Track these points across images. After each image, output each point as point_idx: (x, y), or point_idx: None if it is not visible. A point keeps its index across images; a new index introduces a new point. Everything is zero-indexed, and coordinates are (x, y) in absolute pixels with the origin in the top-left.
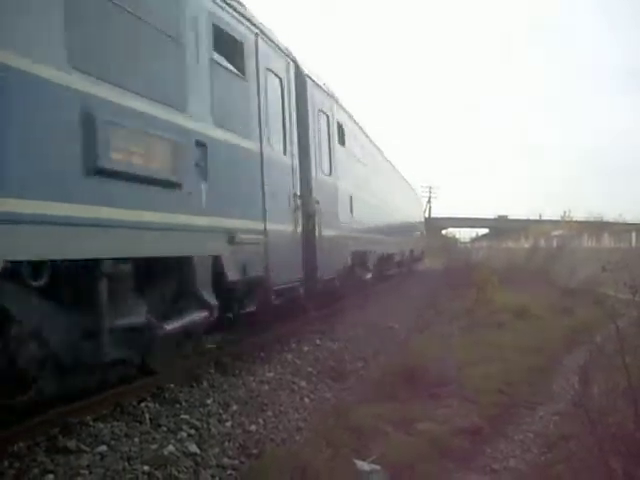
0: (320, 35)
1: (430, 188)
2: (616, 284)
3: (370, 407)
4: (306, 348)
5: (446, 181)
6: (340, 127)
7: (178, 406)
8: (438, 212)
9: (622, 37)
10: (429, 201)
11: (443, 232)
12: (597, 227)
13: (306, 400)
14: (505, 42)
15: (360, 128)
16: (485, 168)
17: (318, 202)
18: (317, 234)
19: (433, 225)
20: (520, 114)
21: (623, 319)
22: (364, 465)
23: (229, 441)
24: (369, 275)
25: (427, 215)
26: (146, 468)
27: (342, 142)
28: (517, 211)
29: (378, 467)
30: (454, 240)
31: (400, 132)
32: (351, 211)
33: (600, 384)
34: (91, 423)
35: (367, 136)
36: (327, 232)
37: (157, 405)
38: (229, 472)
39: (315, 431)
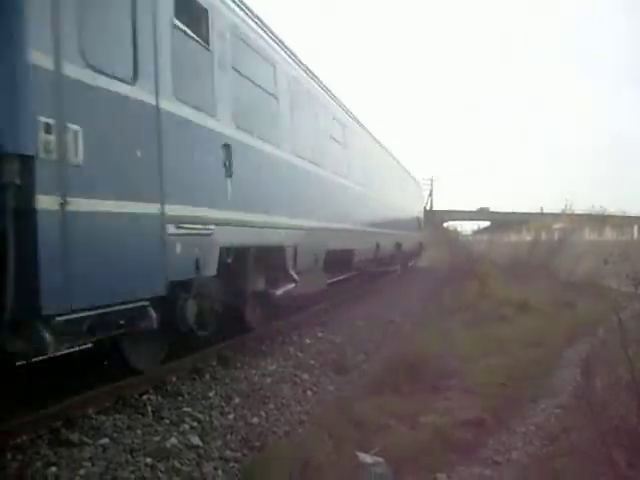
0: (322, 35)
1: (432, 181)
2: (618, 277)
3: (373, 400)
4: (308, 341)
5: (448, 174)
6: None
7: (180, 399)
8: (440, 205)
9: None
10: (430, 194)
11: (444, 225)
12: (599, 220)
13: (308, 393)
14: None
15: (270, 37)
16: (486, 162)
17: (53, 132)
18: (42, 210)
19: (435, 218)
20: (521, 112)
21: (626, 312)
22: (366, 457)
23: (231, 434)
24: (288, 287)
25: (429, 208)
26: (149, 460)
27: (195, 31)
28: (518, 204)
29: (381, 459)
30: (456, 233)
31: (402, 127)
32: (228, 172)
33: (603, 377)
34: (93, 416)
35: (301, 66)
36: (106, 206)
37: (159, 398)
38: (231, 465)
39: (317, 424)
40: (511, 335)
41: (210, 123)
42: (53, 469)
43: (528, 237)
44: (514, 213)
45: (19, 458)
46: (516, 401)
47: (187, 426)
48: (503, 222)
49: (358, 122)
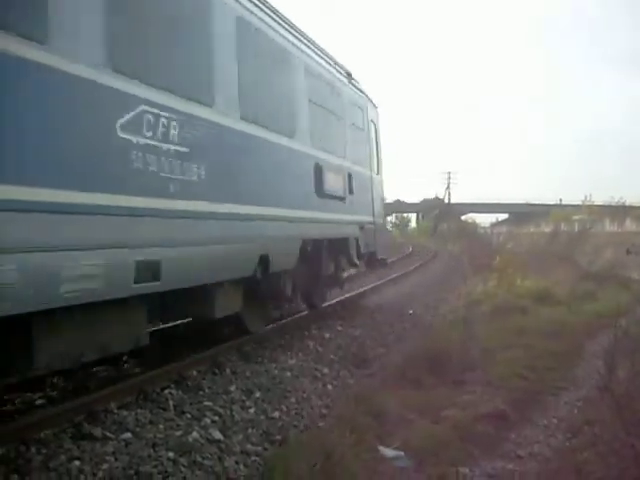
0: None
1: (449, 173)
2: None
3: (393, 393)
4: (327, 335)
5: (466, 167)
6: None
7: (201, 393)
8: (458, 198)
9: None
10: (448, 187)
11: (463, 218)
12: (619, 211)
13: (329, 387)
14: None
15: None
16: (503, 154)
17: None
18: None
19: (453, 211)
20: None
21: None
22: (388, 451)
23: (253, 428)
24: None
25: (447, 201)
26: (171, 454)
27: None
28: (537, 196)
29: (402, 453)
30: (474, 225)
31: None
32: None
33: (626, 368)
34: (115, 411)
35: None
36: None
37: (180, 392)
38: (253, 458)
39: (338, 417)
40: (532, 327)
41: None
42: (76, 463)
43: (547, 229)
44: (533, 205)
45: (43, 452)
46: (538, 394)
47: (208, 420)
48: (521, 214)
49: None
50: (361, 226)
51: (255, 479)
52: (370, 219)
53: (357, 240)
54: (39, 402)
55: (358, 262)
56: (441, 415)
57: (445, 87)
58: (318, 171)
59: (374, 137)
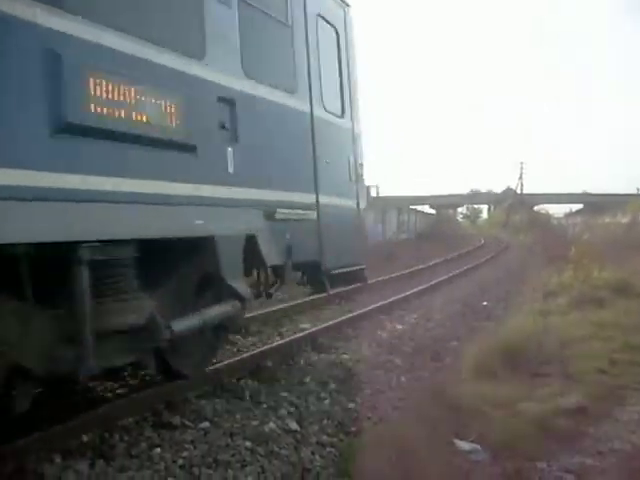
0: None
1: (522, 164)
2: None
3: (468, 386)
4: (400, 327)
5: (537, 157)
6: None
7: (277, 384)
8: (530, 189)
9: None
10: (520, 177)
11: (535, 209)
12: None
13: (402, 379)
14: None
15: None
16: (580, 142)
17: None
18: None
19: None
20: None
21: None
22: (463, 444)
23: (328, 419)
24: None
25: (520, 191)
26: (248, 444)
27: None
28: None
29: (478, 447)
30: (547, 216)
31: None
32: None
33: None
34: (193, 400)
35: None
36: None
37: (256, 383)
38: (328, 449)
39: (413, 409)
40: (611, 319)
41: None
42: (157, 450)
43: (624, 219)
44: (609, 195)
45: (126, 439)
46: (619, 388)
47: (285, 411)
48: (597, 204)
49: None
50: (269, 213)
51: (330, 470)
52: (308, 199)
53: (254, 242)
54: (120, 391)
55: (246, 291)
56: (517, 408)
57: (520, 75)
58: (53, 63)
59: (336, 51)
